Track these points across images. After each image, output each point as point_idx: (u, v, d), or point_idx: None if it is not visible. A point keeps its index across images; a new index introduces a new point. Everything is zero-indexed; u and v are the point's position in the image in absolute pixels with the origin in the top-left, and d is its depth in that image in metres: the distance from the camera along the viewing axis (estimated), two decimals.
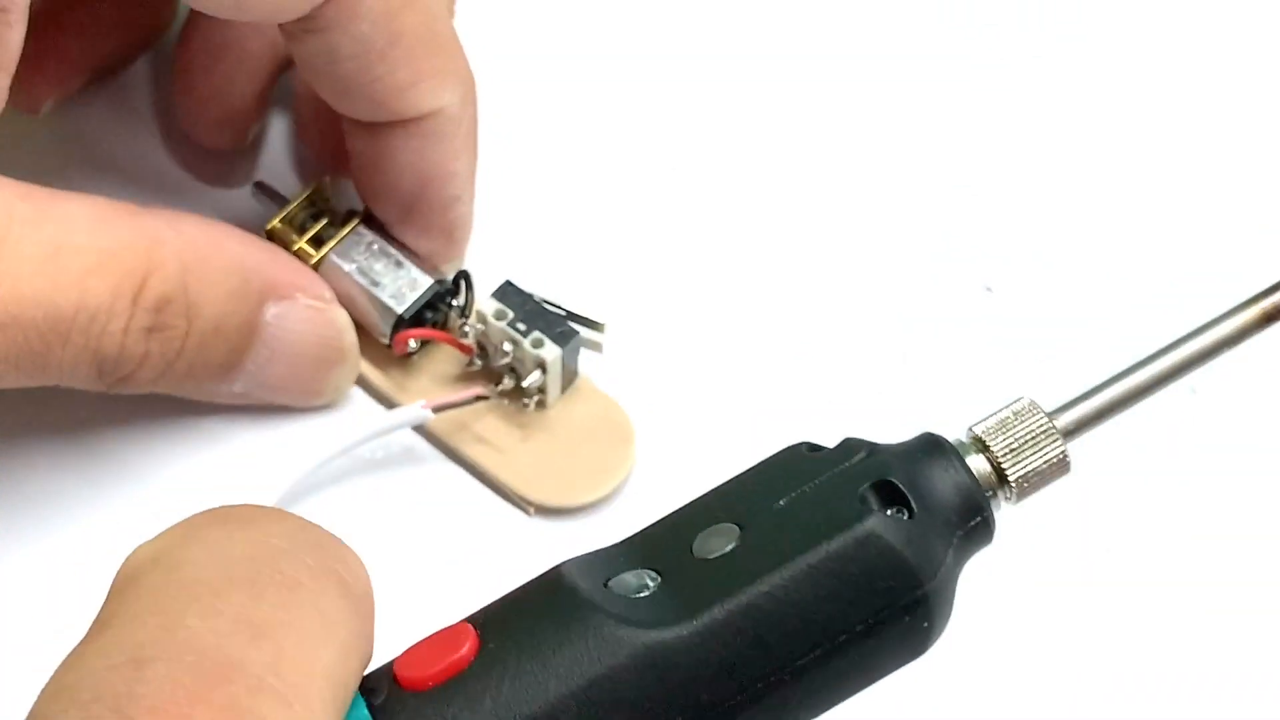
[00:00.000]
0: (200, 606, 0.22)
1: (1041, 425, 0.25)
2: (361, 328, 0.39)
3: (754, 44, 0.46)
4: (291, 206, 0.40)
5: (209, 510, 0.25)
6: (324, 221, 0.40)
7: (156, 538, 0.24)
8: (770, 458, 0.26)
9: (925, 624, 0.24)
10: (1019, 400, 0.25)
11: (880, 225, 0.42)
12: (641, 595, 0.24)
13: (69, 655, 0.22)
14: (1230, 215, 0.43)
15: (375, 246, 0.39)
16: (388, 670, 0.24)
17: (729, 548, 0.24)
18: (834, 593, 0.23)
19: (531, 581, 0.25)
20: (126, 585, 0.23)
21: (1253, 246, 0.43)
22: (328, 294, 0.38)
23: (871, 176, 0.43)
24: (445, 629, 0.24)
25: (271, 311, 0.36)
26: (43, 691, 0.22)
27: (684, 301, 0.41)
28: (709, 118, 0.44)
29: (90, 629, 0.23)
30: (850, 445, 0.25)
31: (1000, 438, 0.25)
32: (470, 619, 0.24)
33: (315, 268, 0.39)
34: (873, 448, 0.25)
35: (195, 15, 0.41)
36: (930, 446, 0.25)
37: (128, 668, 0.21)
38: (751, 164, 0.44)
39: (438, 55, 0.37)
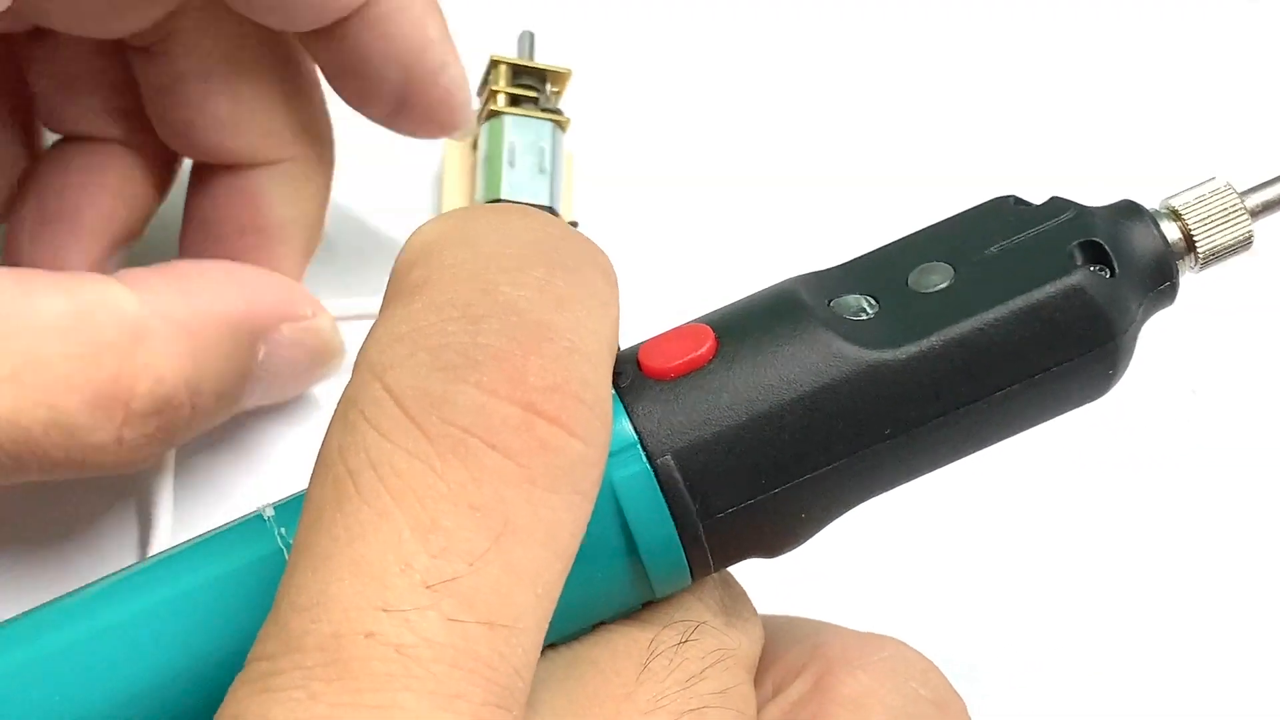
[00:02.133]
0: (509, 277, 0.24)
1: (1233, 204, 0.27)
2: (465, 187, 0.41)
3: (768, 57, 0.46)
4: (531, 63, 0.41)
5: (479, 205, 0.27)
6: (536, 95, 0.41)
7: (435, 222, 0.26)
8: (977, 206, 0.28)
9: (1110, 371, 0.27)
10: (1213, 179, 0.28)
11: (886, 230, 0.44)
12: (861, 318, 0.27)
13: (384, 317, 0.24)
14: None
15: (540, 145, 0.40)
16: (631, 356, 0.27)
17: (944, 284, 0.27)
18: (1038, 336, 0.26)
19: (764, 291, 0.27)
20: (425, 257, 0.25)
21: None
22: (308, 307, 0.37)
23: (878, 181, 0.44)
24: (685, 326, 0.27)
25: (262, 351, 0.35)
26: (373, 341, 0.24)
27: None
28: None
29: (397, 295, 0.25)
30: (1057, 204, 0.28)
31: (1195, 211, 0.27)
32: (708, 320, 0.27)
33: (488, 115, 0.40)
34: (1079, 208, 0.27)
35: (38, 183, 0.39)
36: (1130, 211, 0.28)
37: (464, 321, 0.23)
38: (769, 166, 0.45)
39: None
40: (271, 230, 0.38)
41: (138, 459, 0.33)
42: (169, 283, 0.34)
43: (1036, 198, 0.28)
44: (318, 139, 0.39)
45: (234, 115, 0.38)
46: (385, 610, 0.22)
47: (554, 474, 0.23)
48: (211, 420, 0.35)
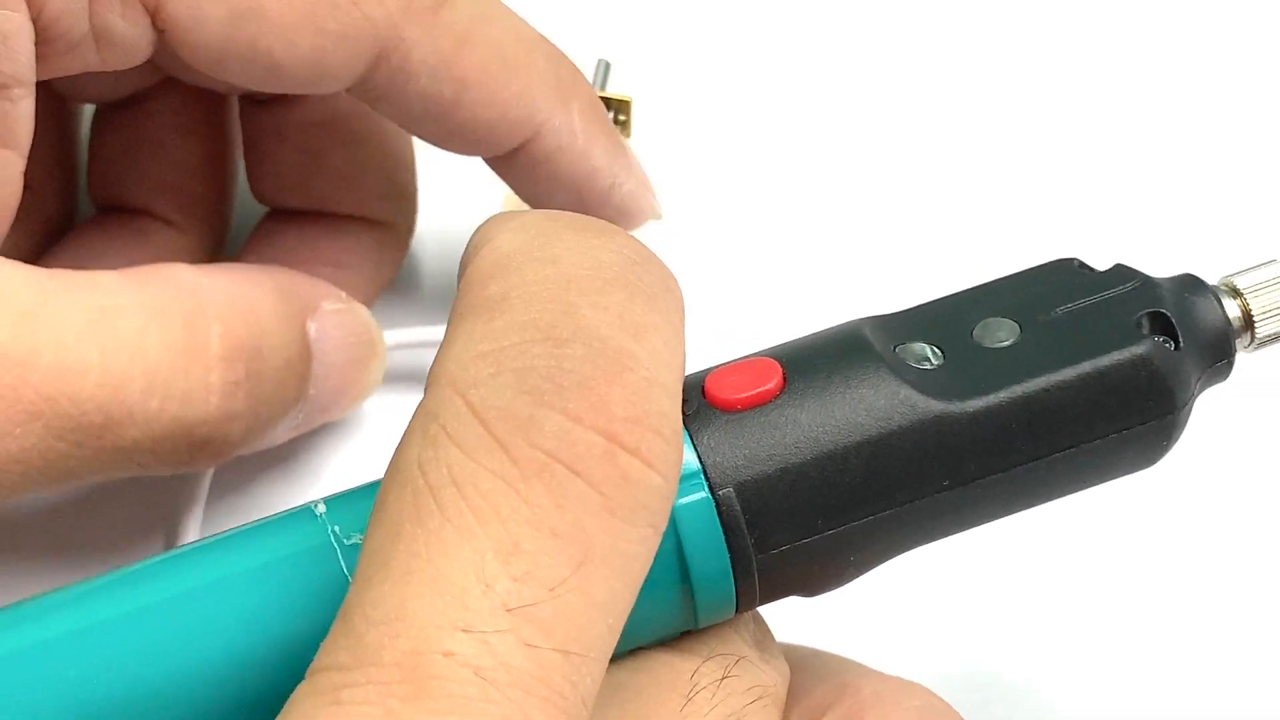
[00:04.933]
0: (590, 300, 0.24)
1: None
2: None
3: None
4: (599, 93, 0.40)
5: (556, 215, 0.27)
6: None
7: (511, 231, 0.26)
8: (1041, 266, 0.29)
9: (1165, 442, 0.27)
10: (1275, 261, 0.28)
11: (908, 242, 0.43)
12: (925, 367, 0.27)
13: (462, 331, 0.24)
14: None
15: None
16: (697, 384, 0.27)
17: (1009, 341, 0.27)
18: (1101, 401, 0.26)
19: (831, 330, 0.28)
20: (504, 271, 0.25)
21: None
22: (343, 294, 0.36)
23: (897, 188, 0.44)
24: (753, 359, 0.27)
25: (313, 328, 0.35)
26: (453, 356, 0.24)
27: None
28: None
29: (475, 309, 0.24)
30: (1122, 271, 0.28)
31: (1258, 294, 0.28)
32: (775, 355, 0.27)
33: None
34: (1144, 278, 0.28)
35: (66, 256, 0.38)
36: (1193, 286, 0.28)
37: (548, 344, 0.23)
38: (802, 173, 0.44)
39: (513, 79, 0.35)
40: (339, 278, 0.38)
41: (226, 421, 0.32)
42: (217, 265, 0.34)
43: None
44: (407, 206, 0.40)
45: (349, 168, 0.38)
46: (465, 631, 0.22)
47: (633, 506, 0.23)
48: (285, 399, 0.34)
